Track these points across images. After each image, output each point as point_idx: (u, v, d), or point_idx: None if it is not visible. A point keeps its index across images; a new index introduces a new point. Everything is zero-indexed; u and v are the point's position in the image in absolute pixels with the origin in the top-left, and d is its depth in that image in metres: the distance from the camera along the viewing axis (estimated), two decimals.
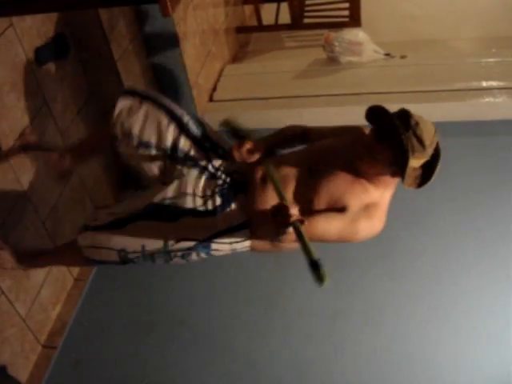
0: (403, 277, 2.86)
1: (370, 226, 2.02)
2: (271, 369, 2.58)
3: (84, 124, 3.02)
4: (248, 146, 2.12)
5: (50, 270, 2.74)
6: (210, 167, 2.20)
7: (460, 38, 4.67)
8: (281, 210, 1.83)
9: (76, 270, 3.00)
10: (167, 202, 2.14)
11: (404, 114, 1.91)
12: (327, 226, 1.99)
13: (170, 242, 2.10)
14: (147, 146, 2.19)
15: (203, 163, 2.20)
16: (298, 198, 2.05)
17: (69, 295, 2.92)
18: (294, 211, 1.82)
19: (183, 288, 2.93)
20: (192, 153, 2.19)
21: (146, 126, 2.17)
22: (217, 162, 2.21)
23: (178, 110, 2.22)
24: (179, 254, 2.13)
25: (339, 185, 2.02)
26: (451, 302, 2.72)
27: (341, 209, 2.01)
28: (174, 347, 2.68)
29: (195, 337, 2.71)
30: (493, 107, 3.67)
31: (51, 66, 2.72)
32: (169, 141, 2.17)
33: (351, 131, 2.18)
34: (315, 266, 1.72)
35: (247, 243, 2.13)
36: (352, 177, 2.04)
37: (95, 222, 2.22)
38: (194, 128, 2.21)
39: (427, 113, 3.69)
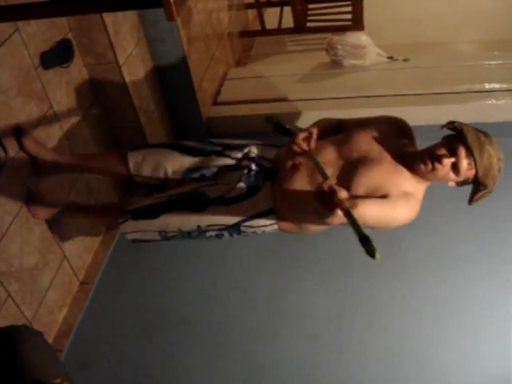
0: (408, 277, 2.87)
1: (408, 214, 2.15)
2: (276, 370, 2.59)
3: (89, 128, 3.04)
4: (303, 135, 2.21)
5: (56, 274, 2.76)
6: (229, 162, 2.40)
7: (462, 41, 4.69)
8: (329, 194, 1.85)
9: (82, 274, 3.02)
10: (196, 191, 2.37)
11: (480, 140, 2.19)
12: (369, 210, 2.05)
13: (203, 227, 2.34)
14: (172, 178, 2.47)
15: (220, 163, 2.41)
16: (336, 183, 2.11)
17: (75, 298, 2.93)
18: (343, 194, 1.86)
19: (188, 290, 2.94)
20: (210, 163, 2.41)
21: (161, 166, 2.44)
22: (237, 154, 2.41)
23: (181, 142, 2.52)
24: (213, 234, 2.37)
25: (381, 174, 2.12)
26: (457, 303, 2.73)
27: (381, 196, 2.11)
28: (179, 349, 2.70)
29: (201, 339, 2.73)
30: (495, 109, 3.67)
31: (57, 71, 2.74)
32: (185, 167, 2.43)
33: (390, 122, 2.29)
34: (366, 241, 1.81)
35: (275, 226, 2.31)
36: (393, 166, 2.15)
37: (132, 205, 2.48)
38: (201, 145, 2.47)
39: (430, 115, 3.72)
